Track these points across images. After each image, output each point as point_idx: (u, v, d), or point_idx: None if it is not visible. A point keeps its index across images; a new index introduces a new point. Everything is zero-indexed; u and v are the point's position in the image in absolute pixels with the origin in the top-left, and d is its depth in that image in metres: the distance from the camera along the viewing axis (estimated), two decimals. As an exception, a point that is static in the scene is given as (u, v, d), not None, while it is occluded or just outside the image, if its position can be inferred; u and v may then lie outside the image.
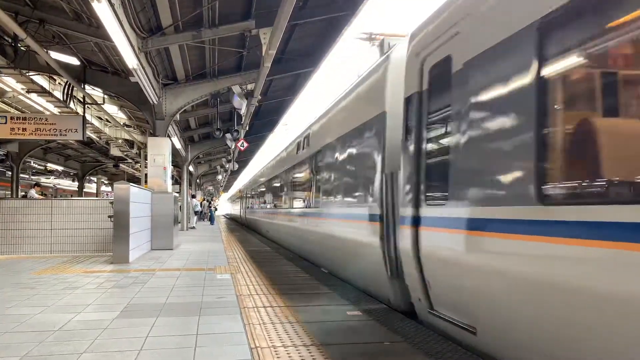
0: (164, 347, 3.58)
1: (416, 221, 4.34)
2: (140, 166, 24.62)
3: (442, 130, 4.11)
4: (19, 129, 12.61)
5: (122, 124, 19.06)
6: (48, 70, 11.55)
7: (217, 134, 16.03)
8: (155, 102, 11.76)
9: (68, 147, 25.19)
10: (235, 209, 38.92)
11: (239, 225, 31.02)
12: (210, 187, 55.38)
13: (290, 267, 8.33)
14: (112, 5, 6.75)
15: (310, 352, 3.46)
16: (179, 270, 7.84)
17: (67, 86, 13.04)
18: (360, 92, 6.72)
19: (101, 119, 19.18)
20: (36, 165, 31.45)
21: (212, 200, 42.49)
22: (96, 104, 14.76)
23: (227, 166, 29.73)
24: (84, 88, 12.45)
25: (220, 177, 39.58)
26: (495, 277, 3.20)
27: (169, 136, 12.81)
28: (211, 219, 30.89)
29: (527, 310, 2.93)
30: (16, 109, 16.15)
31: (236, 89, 12.76)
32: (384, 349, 3.59)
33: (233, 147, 18.68)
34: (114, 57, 11.29)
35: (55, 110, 16.29)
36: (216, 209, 37.75)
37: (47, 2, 9.20)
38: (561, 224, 2.63)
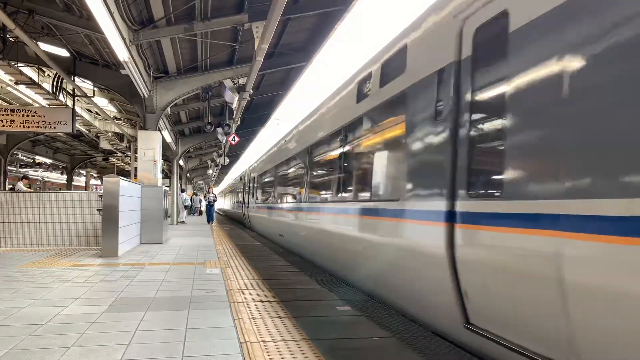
0: (152, 342, 3.56)
1: None
2: (130, 160, 24.43)
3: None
4: (7, 120, 12.44)
5: (112, 117, 18.88)
6: (37, 61, 11.41)
7: (208, 128, 15.94)
8: (146, 95, 11.67)
9: (57, 139, 24.91)
10: (257, 201, 17.38)
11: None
12: (201, 182, 55.15)
13: (281, 262, 8.33)
14: (102, -4, 6.68)
15: (299, 347, 3.47)
16: (169, 264, 7.82)
17: (56, 78, 12.90)
18: None
19: (91, 111, 18.99)
20: (24, 158, 31.10)
21: (209, 189, 29.04)
22: (86, 96, 14.61)
23: (218, 160, 29.56)
24: (73, 80, 12.31)
25: (210, 171, 39.40)
26: None
27: (159, 130, 12.72)
28: (209, 216, 22.26)
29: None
30: (4, 100, 15.94)
31: (228, 83, 12.71)
32: (373, 345, 3.61)
33: (224, 141, 18.61)
34: (104, 50, 11.18)
35: (44, 103, 16.09)
36: (214, 201, 23.56)
37: (37, -8, 9.09)
38: None
